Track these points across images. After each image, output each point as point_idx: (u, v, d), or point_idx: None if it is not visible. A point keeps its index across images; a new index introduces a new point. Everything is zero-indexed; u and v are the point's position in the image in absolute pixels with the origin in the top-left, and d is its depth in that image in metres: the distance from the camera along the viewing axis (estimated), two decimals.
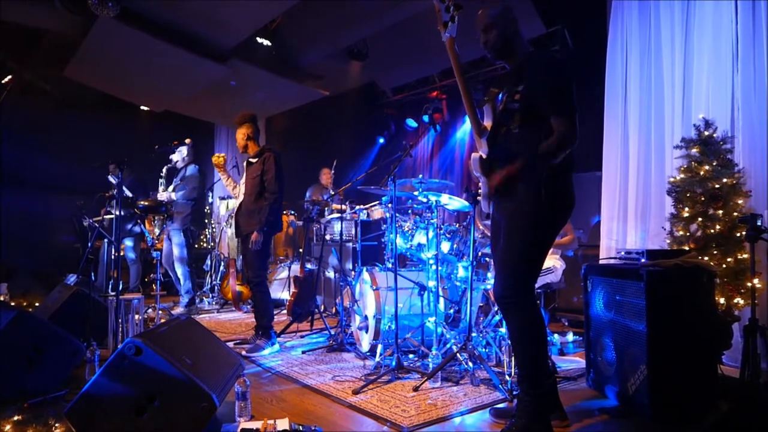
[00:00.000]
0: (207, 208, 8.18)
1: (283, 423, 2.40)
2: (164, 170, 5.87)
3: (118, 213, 3.75)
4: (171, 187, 5.77)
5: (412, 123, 8.14)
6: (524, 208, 2.29)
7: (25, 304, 5.30)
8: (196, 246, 6.95)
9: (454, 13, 2.06)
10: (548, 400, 2.31)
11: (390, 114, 8.73)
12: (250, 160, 4.16)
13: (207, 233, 7.56)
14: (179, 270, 5.74)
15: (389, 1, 5.18)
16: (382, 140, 8.86)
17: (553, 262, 4.07)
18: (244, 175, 4.21)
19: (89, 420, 2.05)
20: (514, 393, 2.66)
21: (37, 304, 4.92)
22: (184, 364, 2.14)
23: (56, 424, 2.34)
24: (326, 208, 5.87)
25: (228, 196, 6.95)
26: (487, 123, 2.47)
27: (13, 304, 4.89)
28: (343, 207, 5.73)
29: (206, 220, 8.05)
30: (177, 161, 5.86)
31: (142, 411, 2.06)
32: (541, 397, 2.28)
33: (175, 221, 5.67)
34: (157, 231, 5.81)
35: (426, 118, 7.63)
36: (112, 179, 5.21)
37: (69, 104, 6.93)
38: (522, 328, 2.31)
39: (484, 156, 2.44)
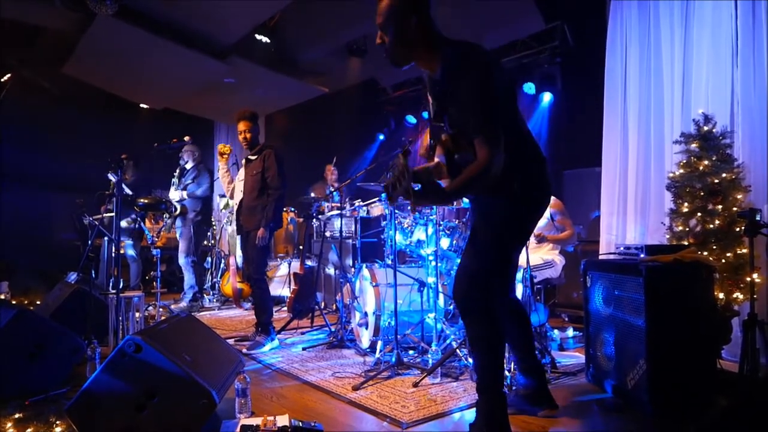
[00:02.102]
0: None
1: (282, 419, 2.40)
2: (178, 171, 5.96)
3: (117, 211, 3.76)
4: (182, 186, 5.86)
5: (412, 119, 8.13)
6: (496, 205, 2.20)
7: (26, 302, 5.31)
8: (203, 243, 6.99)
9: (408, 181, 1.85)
10: (505, 408, 2.19)
11: (390, 111, 8.72)
12: (249, 157, 4.17)
13: (210, 231, 7.57)
14: (181, 260, 5.80)
15: None
16: (382, 137, 8.85)
17: (552, 257, 4.07)
18: (243, 172, 4.21)
19: (89, 417, 2.06)
20: (513, 388, 2.67)
21: (38, 302, 4.94)
22: (183, 361, 2.15)
23: (57, 422, 2.35)
24: (326, 204, 5.87)
25: None
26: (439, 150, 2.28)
27: (14, 302, 4.91)
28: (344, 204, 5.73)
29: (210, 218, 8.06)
30: (187, 161, 5.96)
31: (142, 408, 2.07)
32: (502, 405, 2.18)
33: (185, 219, 5.77)
34: (171, 232, 5.88)
35: (425, 114, 7.63)
36: (111, 177, 5.23)
37: (69, 102, 6.92)
38: (481, 333, 2.19)
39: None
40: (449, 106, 2.11)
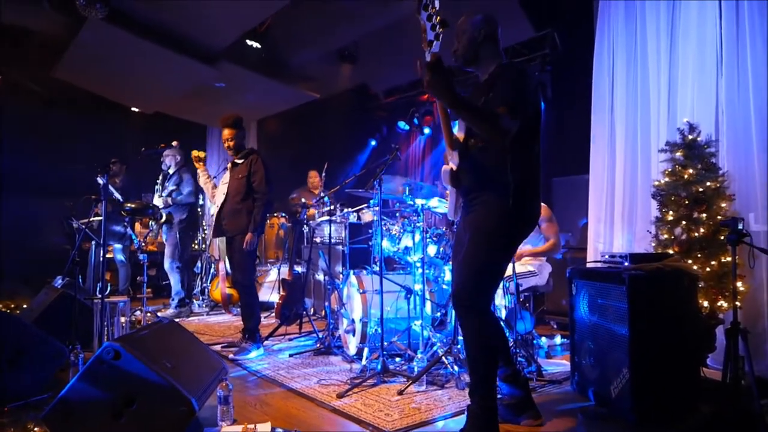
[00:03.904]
0: (199, 210, 8.15)
1: (264, 427, 2.39)
2: (161, 177, 5.92)
3: (104, 215, 3.74)
4: (166, 192, 5.82)
5: (403, 126, 8.14)
6: (489, 216, 2.31)
7: (12, 306, 5.27)
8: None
9: (439, 32, 2.01)
10: (496, 413, 2.29)
11: (382, 116, 8.73)
12: (236, 161, 4.15)
13: (198, 236, 7.53)
14: (166, 265, 5.77)
15: (378, 2, 5.18)
16: (373, 143, 8.86)
17: (538, 264, 4.05)
18: (227, 176, 4.19)
19: (66, 424, 2.04)
20: (499, 396, 2.66)
21: (24, 306, 4.90)
22: (163, 367, 2.13)
23: (35, 429, 2.33)
24: (316, 212, 5.85)
25: None
26: (460, 134, 2.46)
27: (0, 306, 4.87)
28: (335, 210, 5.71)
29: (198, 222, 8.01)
30: (170, 166, 5.92)
31: (120, 415, 2.05)
32: (492, 410, 2.26)
33: (172, 225, 5.73)
34: (152, 235, 5.83)
35: (416, 121, 7.65)
36: (100, 181, 5.21)
37: (59, 105, 6.89)
38: (477, 335, 2.30)
39: (454, 168, 2.45)
40: (493, 99, 2.28)
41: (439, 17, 2.00)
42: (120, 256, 6.10)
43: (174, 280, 5.80)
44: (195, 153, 4.31)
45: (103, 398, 2.05)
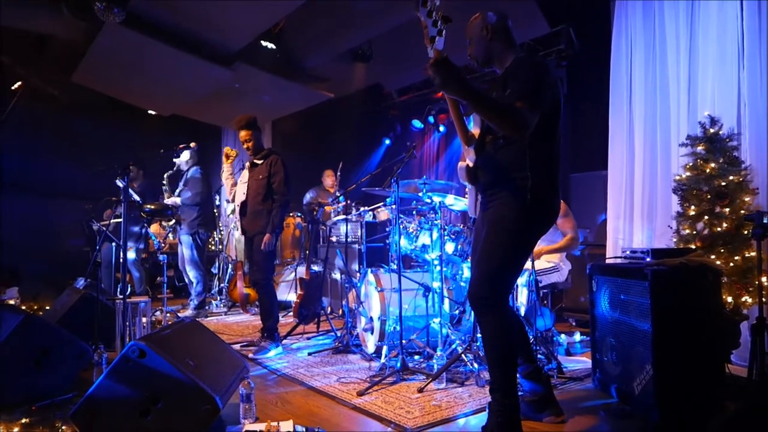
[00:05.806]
0: (215, 210, 8.20)
1: (287, 425, 2.41)
2: (165, 176, 5.94)
3: (124, 216, 3.78)
4: (177, 192, 5.85)
5: (417, 124, 8.13)
6: (507, 212, 2.27)
7: (35, 307, 5.36)
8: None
9: (442, 27, 1.95)
10: (518, 410, 2.27)
11: (395, 115, 8.72)
12: (255, 161, 4.17)
13: (215, 236, 7.59)
14: (191, 273, 5.81)
15: (392, 2, 5.17)
16: (388, 141, 8.86)
17: (558, 261, 4.03)
18: (246, 176, 4.22)
19: (94, 422, 2.08)
20: (520, 393, 2.65)
21: (47, 308, 4.98)
22: (187, 366, 2.16)
23: (63, 427, 2.37)
24: (332, 211, 5.87)
25: None
26: (475, 130, 2.45)
27: (23, 307, 4.95)
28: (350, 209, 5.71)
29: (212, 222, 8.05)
30: (180, 165, 5.94)
31: (146, 413, 2.08)
32: (514, 406, 2.24)
33: (182, 226, 5.76)
34: (171, 237, 5.85)
35: (431, 119, 7.63)
36: (119, 183, 5.27)
37: (77, 109, 6.99)
38: (495, 332, 2.28)
39: (470, 164, 2.43)
40: (510, 94, 2.25)
41: (440, 12, 1.95)
42: (131, 256, 6.13)
43: (196, 282, 5.82)
44: (227, 149, 4.32)
45: (129, 396, 2.08)
